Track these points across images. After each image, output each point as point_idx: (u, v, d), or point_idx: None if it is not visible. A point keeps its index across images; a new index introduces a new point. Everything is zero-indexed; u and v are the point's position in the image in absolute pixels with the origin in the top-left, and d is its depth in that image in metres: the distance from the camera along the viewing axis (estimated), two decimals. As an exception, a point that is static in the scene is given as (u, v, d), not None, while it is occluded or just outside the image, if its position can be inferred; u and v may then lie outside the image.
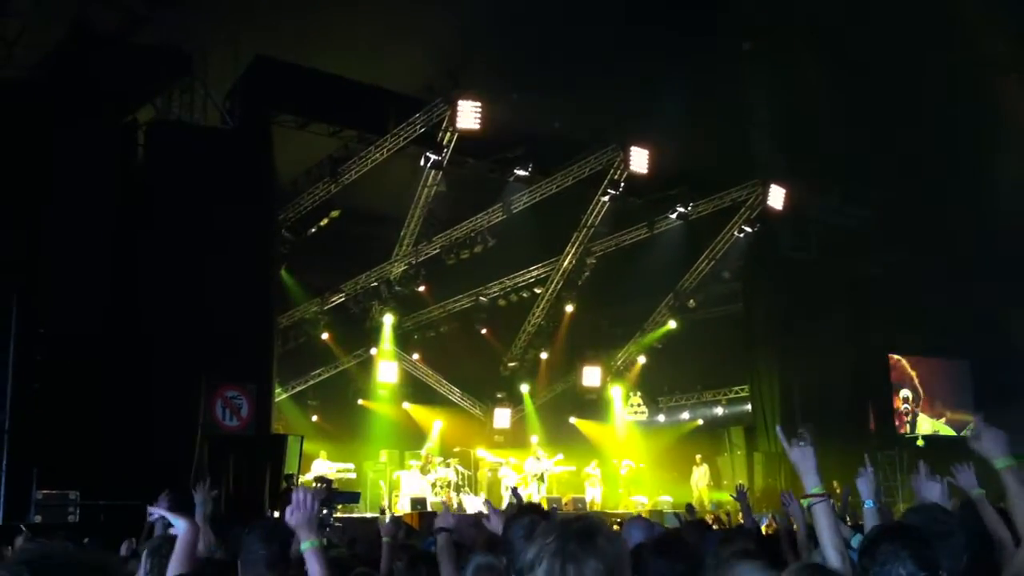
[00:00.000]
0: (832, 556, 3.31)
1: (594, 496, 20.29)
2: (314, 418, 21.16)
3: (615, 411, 24.35)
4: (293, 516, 3.35)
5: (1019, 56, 18.65)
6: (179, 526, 3.98)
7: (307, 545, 3.33)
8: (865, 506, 4.20)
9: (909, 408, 24.26)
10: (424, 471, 18.69)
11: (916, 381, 24.38)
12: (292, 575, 3.64)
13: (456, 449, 20.47)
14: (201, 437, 13.35)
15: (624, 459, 22.12)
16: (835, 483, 20.15)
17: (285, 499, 14.11)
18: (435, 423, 22.17)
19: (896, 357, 24.06)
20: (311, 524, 3.35)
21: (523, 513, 3.50)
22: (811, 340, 20.73)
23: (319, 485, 15.64)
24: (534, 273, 22.06)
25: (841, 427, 21.53)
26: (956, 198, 20.35)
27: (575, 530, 2.12)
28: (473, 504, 18.25)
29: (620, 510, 19.22)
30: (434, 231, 20.24)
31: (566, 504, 18.79)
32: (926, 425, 24.24)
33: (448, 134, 17.54)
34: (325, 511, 14.55)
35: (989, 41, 18.49)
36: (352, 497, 16.37)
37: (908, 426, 24.14)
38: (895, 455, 22.19)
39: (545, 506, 18.06)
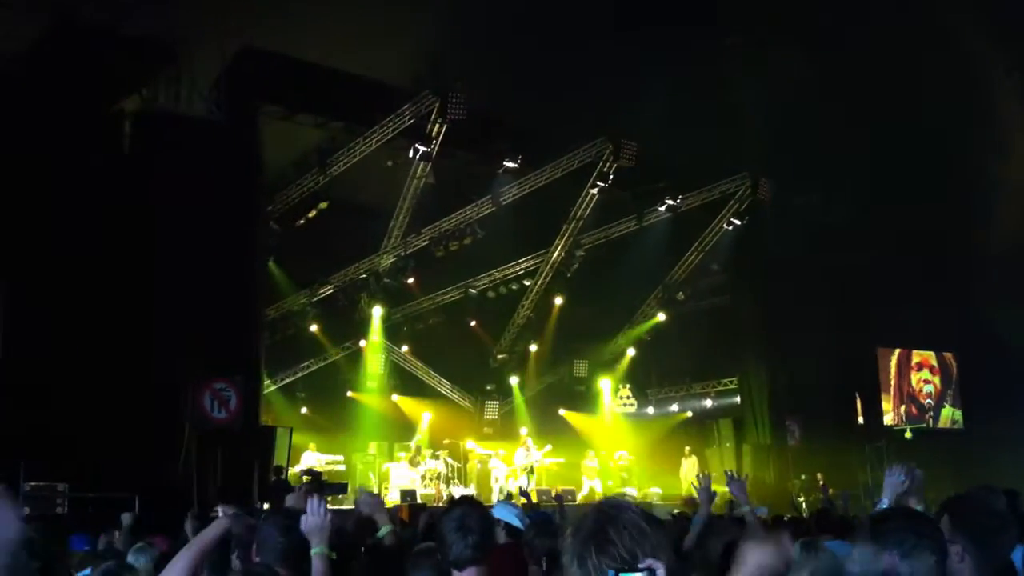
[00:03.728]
0: None
1: (593, 487, 20.43)
2: (303, 410, 21.10)
3: (604, 403, 24.39)
4: (307, 522, 3.66)
5: (1008, 54, 18.72)
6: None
7: (317, 550, 3.61)
8: (880, 505, 4.16)
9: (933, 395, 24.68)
10: (413, 463, 18.69)
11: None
12: (305, 568, 3.73)
13: (445, 441, 20.45)
14: (189, 429, 13.31)
15: (616, 451, 22.17)
16: (819, 475, 20.35)
17: (276, 490, 14.11)
18: (424, 415, 22.14)
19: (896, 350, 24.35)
20: (322, 532, 3.66)
21: (455, 505, 3.55)
22: (799, 333, 20.80)
23: (307, 479, 15.66)
24: (523, 265, 22.05)
25: (829, 419, 21.66)
26: (944, 193, 20.45)
27: (588, 527, 2.11)
28: (463, 494, 18.27)
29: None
30: (423, 223, 20.21)
31: (555, 495, 18.81)
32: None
33: (436, 126, 17.49)
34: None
35: (977, 38, 18.55)
36: (339, 488, 16.40)
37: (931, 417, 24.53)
38: (882, 447, 22.32)
39: (535, 498, 18.10)
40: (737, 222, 21.18)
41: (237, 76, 15.79)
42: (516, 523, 4.77)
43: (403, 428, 21.82)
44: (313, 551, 3.63)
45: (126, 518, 7.09)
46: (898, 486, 4.22)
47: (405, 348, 22.69)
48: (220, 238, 13.96)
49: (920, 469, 4.32)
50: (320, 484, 15.62)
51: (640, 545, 2.04)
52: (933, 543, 2.81)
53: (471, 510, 3.40)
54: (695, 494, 19.71)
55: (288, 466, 15.73)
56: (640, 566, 2.01)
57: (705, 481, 6.13)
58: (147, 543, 5.28)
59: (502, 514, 4.81)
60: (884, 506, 4.09)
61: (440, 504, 17.21)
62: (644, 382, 25.10)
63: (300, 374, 21.12)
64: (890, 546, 2.80)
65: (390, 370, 22.19)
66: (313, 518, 3.66)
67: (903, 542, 2.79)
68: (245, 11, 15.67)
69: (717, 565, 4.07)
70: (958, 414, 25.18)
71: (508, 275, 22.22)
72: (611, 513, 2.11)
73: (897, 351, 24.47)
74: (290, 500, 4.67)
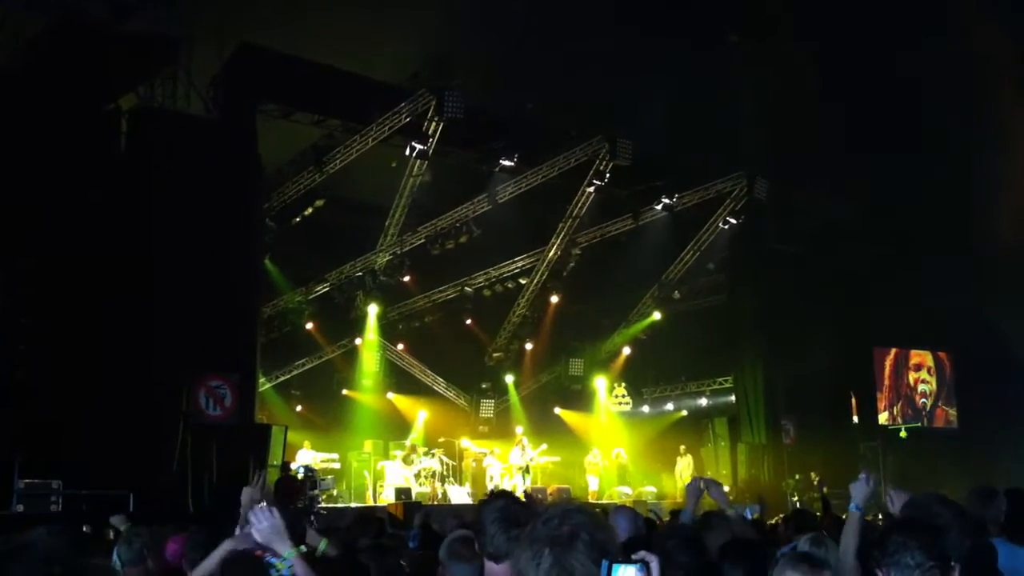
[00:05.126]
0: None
1: (595, 486, 20.51)
2: (298, 408, 21.10)
3: (600, 402, 24.40)
4: (261, 532, 3.35)
5: (1008, 54, 18.74)
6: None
7: (288, 555, 3.34)
8: (850, 509, 4.23)
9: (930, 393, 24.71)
10: (407, 461, 18.67)
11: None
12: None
13: (441, 439, 20.45)
14: (184, 427, 13.29)
15: (614, 448, 22.18)
16: (812, 474, 20.39)
17: (282, 488, 14.10)
18: (420, 413, 22.14)
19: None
20: (281, 535, 3.38)
21: (496, 497, 3.51)
22: (795, 331, 20.82)
23: (300, 477, 15.66)
24: (519, 264, 22.04)
25: (824, 418, 21.70)
26: (941, 193, 20.47)
27: (560, 540, 2.07)
28: (458, 494, 18.27)
29: (604, 500, 19.29)
30: (419, 221, 20.20)
31: (551, 494, 18.82)
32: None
33: (433, 124, 17.47)
34: (311, 496, 14.58)
35: (979, 35, 18.57)
36: (328, 484, 16.50)
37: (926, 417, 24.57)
38: (877, 446, 22.38)
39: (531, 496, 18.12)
40: (733, 221, 21.17)
41: (234, 74, 15.78)
42: None
43: (398, 426, 21.82)
44: (285, 555, 3.41)
45: (118, 521, 6.47)
46: (866, 489, 4.29)
47: (401, 346, 22.68)
48: (216, 235, 13.96)
49: (875, 474, 4.42)
50: (313, 481, 15.65)
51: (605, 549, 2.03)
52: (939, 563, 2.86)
53: (513, 503, 3.36)
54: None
55: (288, 463, 15.71)
56: (634, 557, 1.99)
57: (693, 481, 6.16)
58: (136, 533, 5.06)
59: None
60: (854, 509, 4.16)
61: (435, 503, 17.22)
62: (640, 381, 25.11)
63: (295, 372, 21.10)
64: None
65: (386, 368, 22.18)
66: (264, 524, 3.42)
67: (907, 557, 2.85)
68: (243, 9, 15.67)
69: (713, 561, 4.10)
70: (953, 413, 25.23)
71: (504, 273, 22.21)
72: (563, 535, 2.07)
73: (893, 351, 24.51)
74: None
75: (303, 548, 3.54)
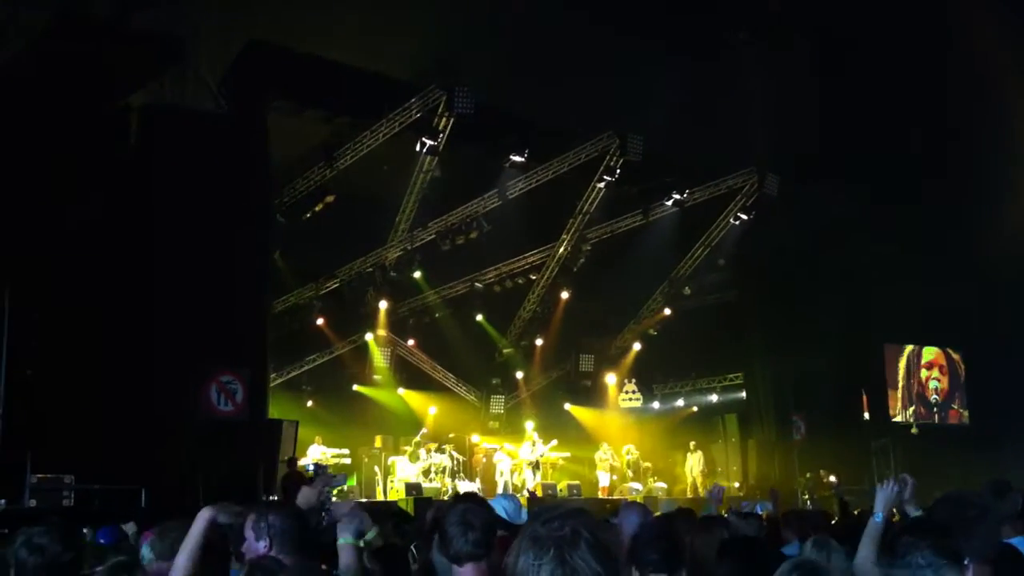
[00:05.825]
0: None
1: (605, 482, 20.49)
2: (309, 403, 21.13)
3: (610, 398, 24.38)
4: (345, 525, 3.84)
5: (1011, 52, 18.66)
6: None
7: (344, 540, 3.78)
8: (874, 519, 4.21)
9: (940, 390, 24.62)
10: (413, 458, 18.68)
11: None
12: (318, 553, 3.92)
13: (451, 435, 20.46)
14: (195, 422, 13.34)
15: (623, 445, 22.18)
16: (822, 472, 20.36)
17: (290, 483, 14.16)
18: (430, 409, 22.16)
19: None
20: (366, 521, 3.87)
21: (459, 500, 3.58)
22: (805, 328, 20.78)
23: (310, 474, 15.69)
24: (529, 259, 22.03)
25: (834, 415, 21.65)
26: (950, 190, 20.40)
27: (564, 540, 2.06)
28: (468, 490, 18.29)
29: (615, 496, 19.29)
30: (429, 217, 20.19)
31: (561, 491, 18.84)
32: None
33: (443, 120, 17.48)
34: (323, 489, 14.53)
35: (984, 35, 18.50)
36: (341, 479, 16.58)
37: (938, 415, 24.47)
38: (888, 444, 22.31)
39: (540, 493, 18.15)
40: (744, 217, 21.14)
41: (244, 71, 15.80)
42: (503, 515, 4.78)
43: (409, 422, 21.82)
44: (341, 541, 3.76)
45: (128, 528, 6.62)
46: (891, 498, 4.28)
47: (411, 342, 22.68)
48: (226, 231, 13.99)
49: (912, 477, 4.42)
50: (328, 476, 15.64)
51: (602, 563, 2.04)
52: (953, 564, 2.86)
53: (475, 506, 3.41)
54: (700, 490, 19.73)
55: (295, 459, 15.74)
56: None
57: (715, 487, 6.45)
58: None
59: (494, 506, 4.83)
60: (879, 519, 4.15)
61: (446, 498, 17.24)
62: (650, 377, 25.08)
63: (306, 367, 21.12)
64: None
65: (396, 364, 22.20)
66: (352, 524, 3.84)
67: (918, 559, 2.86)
68: (251, 5, 15.68)
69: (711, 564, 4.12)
70: (965, 413, 25.14)
71: (514, 269, 22.19)
72: (566, 535, 2.06)
73: (907, 349, 24.44)
74: (301, 499, 4.67)
75: (361, 541, 3.86)
